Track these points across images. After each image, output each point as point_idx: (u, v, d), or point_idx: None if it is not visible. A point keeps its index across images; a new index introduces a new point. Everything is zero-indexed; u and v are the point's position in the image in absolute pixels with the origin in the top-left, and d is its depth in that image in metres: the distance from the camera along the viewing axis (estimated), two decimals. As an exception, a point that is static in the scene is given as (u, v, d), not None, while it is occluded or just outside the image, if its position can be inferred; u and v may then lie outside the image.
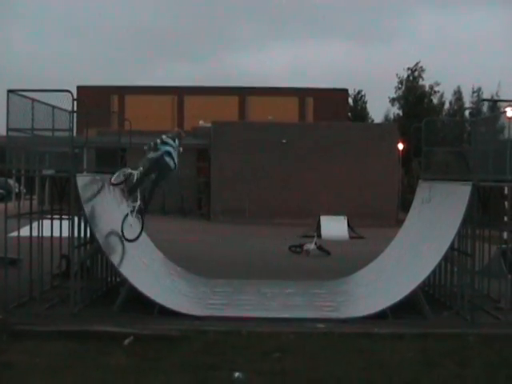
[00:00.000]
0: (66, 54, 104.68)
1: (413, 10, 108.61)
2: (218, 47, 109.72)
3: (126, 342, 10.74)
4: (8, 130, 12.82)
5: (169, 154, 13.69)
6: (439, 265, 14.04)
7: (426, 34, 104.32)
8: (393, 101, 71.02)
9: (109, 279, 15.92)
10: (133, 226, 13.80)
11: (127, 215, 13.74)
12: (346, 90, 59.48)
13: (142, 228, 14.06)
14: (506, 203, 15.43)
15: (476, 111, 18.41)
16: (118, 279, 15.60)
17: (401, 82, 70.08)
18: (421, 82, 69.50)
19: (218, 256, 22.22)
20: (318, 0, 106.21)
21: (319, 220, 30.72)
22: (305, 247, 23.81)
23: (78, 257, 13.68)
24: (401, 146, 42.73)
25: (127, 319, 12.30)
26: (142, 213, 13.80)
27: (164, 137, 13.79)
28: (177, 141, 14.01)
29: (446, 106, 71.59)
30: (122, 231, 13.73)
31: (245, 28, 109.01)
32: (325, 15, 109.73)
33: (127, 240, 13.87)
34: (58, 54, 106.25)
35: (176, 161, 13.87)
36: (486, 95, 64.92)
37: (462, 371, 9.59)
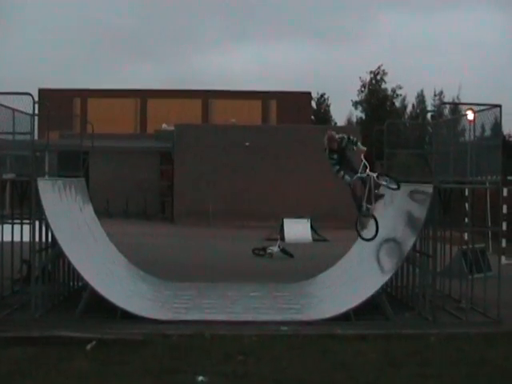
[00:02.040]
0: (27, 56, 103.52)
1: (376, 12, 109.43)
2: (181, 49, 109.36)
3: (89, 346, 10.65)
4: (-33, 133, 12.65)
5: None
6: (401, 266, 14.16)
7: (389, 37, 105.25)
8: (356, 104, 71.61)
9: (71, 284, 15.77)
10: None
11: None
12: (309, 93, 59.75)
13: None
14: (466, 205, 15.62)
15: (437, 114, 18.61)
16: (80, 283, 15.47)
17: (363, 86, 70.69)
18: (383, 86, 70.17)
19: (181, 259, 22.16)
20: (282, 1, 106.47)
21: (282, 223, 30.77)
22: (268, 250, 23.85)
23: (39, 261, 13.54)
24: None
25: (89, 324, 12.21)
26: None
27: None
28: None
29: (409, 108, 72.41)
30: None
31: (208, 29, 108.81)
32: (288, 16, 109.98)
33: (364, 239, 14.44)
34: (19, 56, 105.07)
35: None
36: (447, 98, 65.79)
37: (424, 371, 9.68)
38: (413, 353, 10.64)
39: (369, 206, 14.12)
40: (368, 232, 14.54)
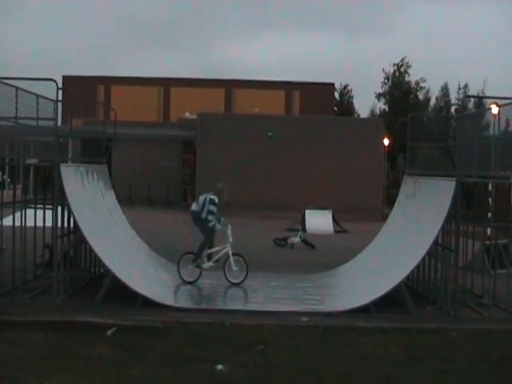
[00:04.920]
0: (52, 43, 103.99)
1: (401, 4, 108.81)
2: (205, 38, 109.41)
3: (109, 332, 10.69)
4: (-9, 118, 12.69)
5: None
6: (423, 260, 14.08)
7: (414, 30, 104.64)
8: (379, 96, 71.24)
9: (92, 269, 15.85)
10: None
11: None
12: (332, 84, 59.60)
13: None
14: (489, 199, 15.49)
15: (461, 107, 18.45)
16: (101, 269, 15.54)
17: (387, 78, 70.31)
18: (407, 78, 69.74)
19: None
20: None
21: (304, 213, 30.74)
22: (289, 240, 23.83)
23: (62, 247, 13.61)
24: (386, 141, 42.83)
25: (110, 310, 12.24)
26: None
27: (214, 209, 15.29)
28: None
29: (433, 101, 71.94)
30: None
31: (233, 19, 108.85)
32: (313, 7, 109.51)
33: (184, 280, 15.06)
34: (44, 43, 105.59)
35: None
36: (472, 92, 65.29)
37: (444, 366, 9.62)
38: (433, 347, 10.57)
39: (209, 264, 15.32)
40: (189, 275, 15.17)
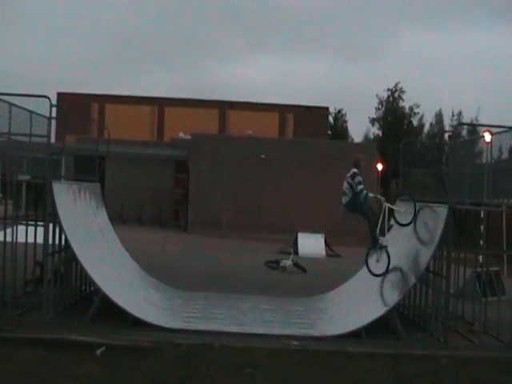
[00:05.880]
0: (48, 60, 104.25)
1: (396, 30, 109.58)
2: (200, 59, 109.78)
3: (98, 351, 10.63)
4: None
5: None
6: (414, 286, 14.05)
7: (408, 56, 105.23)
8: (373, 121, 71.49)
9: (83, 287, 15.78)
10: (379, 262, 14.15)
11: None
12: (326, 108, 59.74)
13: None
14: (481, 227, 15.51)
15: (455, 134, 18.55)
16: (91, 288, 15.47)
17: (381, 103, 70.60)
18: (401, 103, 70.03)
19: (194, 268, 22.11)
20: (302, 16, 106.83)
21: (296, 237, 30.71)
22: (281, 263, 23.79)
23: (52, 264, 13.55)
24: (380, 167, 42.90)
25: (100, 329, 12.18)
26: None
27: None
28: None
29: (426, 127, 72.24)
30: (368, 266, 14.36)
31: (227, 41, 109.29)
32: (309, 31, 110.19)
33: (374, 275, 14.31)
34: (39, 60, 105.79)
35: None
36: (465, 119, 65.63)
37: (434, 393, 9.60)
38: (423, 374, 10.54)
39: (381, 238, 14.19)
40: (378, 267, 14.32)
